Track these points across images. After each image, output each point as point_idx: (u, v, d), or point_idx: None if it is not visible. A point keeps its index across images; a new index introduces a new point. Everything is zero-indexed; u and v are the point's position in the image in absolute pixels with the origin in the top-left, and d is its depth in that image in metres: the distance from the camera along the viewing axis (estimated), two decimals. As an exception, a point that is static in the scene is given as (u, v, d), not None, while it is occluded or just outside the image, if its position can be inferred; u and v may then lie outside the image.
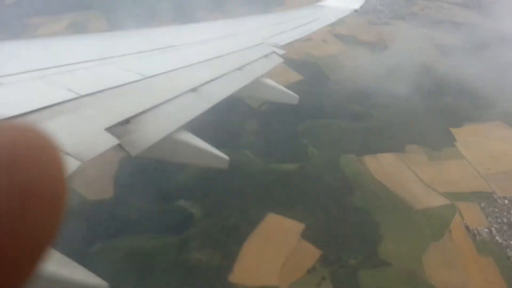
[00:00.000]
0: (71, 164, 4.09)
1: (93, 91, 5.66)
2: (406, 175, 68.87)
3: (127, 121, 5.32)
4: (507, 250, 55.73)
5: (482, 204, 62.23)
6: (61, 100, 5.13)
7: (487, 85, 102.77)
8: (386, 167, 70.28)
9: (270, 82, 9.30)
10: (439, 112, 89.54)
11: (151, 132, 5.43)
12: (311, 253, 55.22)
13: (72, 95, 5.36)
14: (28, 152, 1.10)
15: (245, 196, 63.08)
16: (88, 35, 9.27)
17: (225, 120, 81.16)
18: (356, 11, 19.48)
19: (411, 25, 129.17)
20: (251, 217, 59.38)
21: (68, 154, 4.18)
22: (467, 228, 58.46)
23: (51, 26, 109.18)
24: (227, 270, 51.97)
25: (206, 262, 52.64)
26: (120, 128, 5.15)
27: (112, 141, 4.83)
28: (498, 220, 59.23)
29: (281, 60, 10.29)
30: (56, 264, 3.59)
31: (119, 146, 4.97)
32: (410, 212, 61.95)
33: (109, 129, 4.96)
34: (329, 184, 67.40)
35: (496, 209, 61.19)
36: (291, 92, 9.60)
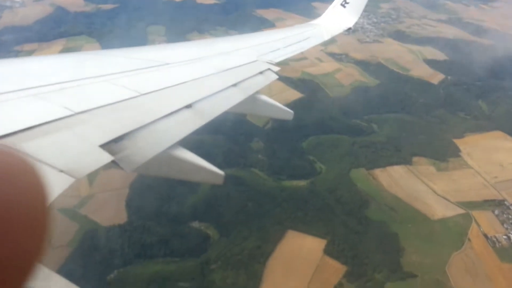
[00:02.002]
0: (65, 181, 3.99)
1: (88, 108, 5.58)
2: (418, 187, 69.46)
3: (121, 137, 5.22)
4: (527, 255, 56.28)
5: (496, 212, 63.11)
6: (55, 118, 5.05)
7: (480, 97, 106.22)
8: (397, 180, 70.79)
9: (266, 98, 9.26)
10: (439, 124, 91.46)
11: (146, 148, 5.38)
12: (336, 269, 54.50)
13: (67, 112, 5.27)
14: (6, 174, 1.08)
15: (261, 214, 62.20)
16: (82, 53, 9.45)
17: (231, 139, 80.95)
18: (349, 29, 19.81)
19: (399, 42, 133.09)
20: (270, 236, 58.44)
21: (61, 171, 4.06)
22: (486, 236, 58.96)
23: (44, 52, 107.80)
24: (254, 291, 50.68)
25: (231, 284, 51.21)
26: (114, 144, 5.04)
27: (106, 157, 4.66)
28: (515, 227, 60.02)
29: (276, 76, 10.47)
30: (48, 283, 3.39)
31: (114, 162, 4.80)
32: (427, 222, 62.22)
33: (104, 146, 4.83)
34: (344, 198, 67.28)
35: (510, 216, 62.04)
36: (286, 108, 9.71)
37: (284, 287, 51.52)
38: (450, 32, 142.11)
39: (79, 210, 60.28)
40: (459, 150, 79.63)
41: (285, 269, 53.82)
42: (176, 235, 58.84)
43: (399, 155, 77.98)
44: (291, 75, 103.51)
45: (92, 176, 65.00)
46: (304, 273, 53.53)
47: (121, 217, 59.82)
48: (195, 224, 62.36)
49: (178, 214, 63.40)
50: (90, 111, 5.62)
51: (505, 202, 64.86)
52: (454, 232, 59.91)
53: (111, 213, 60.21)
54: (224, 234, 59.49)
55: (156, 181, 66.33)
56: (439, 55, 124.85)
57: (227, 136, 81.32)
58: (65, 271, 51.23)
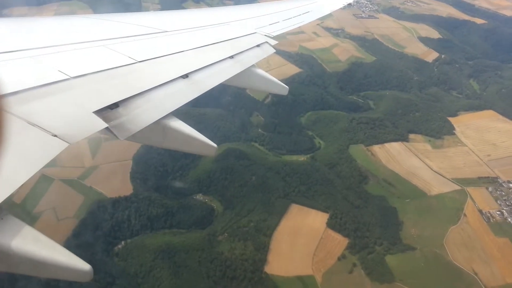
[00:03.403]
0: (58, 146, 4.20)
1: (83, 73, 5.71)
2: (414, 163, 71.39)
3: (116, 105, 5.37)
4: (520, 230, 59.18)
5: (490, 189, 65.66)
6: (50, 81, 5.20)
7: (472, 76, 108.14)
8: (395, 156, 72.50)
9: (262, 72, 9.33)
10: (433, 102, 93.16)
11: (141, 117, 5.50)
12: (339, 242, 56.28)
13: (62, 77, 5.41)
14: None
15: (265, 188, 63.05)
16: (77, 17, 9.34)
17: (231, 113, 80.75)
18: (349, 4, 19.51)
19: (394, 19, 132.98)
20: (275, 209, 59.55)
21: (55, 135, 4.25)
22: (480, 211, 61.52)
23: (36, 16, 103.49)
24: (262, 262, 52.03)
25: (240, 255, 52.38)
26: (109, 111, 5.21)
27: (100, 124, 4.87)
28: (507, 203, 62.74)
29: (273, 50, 10.32)
30: (41, 247, 3.78)
31: (108, 129, 5.02)
32: (424, 198, 64.39)
33: (98, 112, 5.02)
34: (344, 173, 68.70)
35: (503, 193, 64.75)
36: (282, 83, 9.88)
37: (291, 258, 53.00)
38: (444, 10, 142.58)
39: (83, 181, 59.87)
40: (453, 128, 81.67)
41: (290, 241, 55.29)
42: (181, 208, 59.32)
43: (396, 131, 79.49)
44: (288, 49, 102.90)
45: (94, 147, 64.48)
46: (308, 245, 55.14)
47: (127, 188, 59.77)
48: (199, 197, 62.96)
49: (182, 187, 63.77)
50: (86, 76, 5.69)
51: (498, 179, 67.48)
52: (451, 207, 62.27)
53: (116, 184, 60.04)
54: (228, 207, 60.27)
55: (159, 153, 66.17)
56: (433, 33, 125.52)
57: (227, 110, 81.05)
58: (72, 243, 51.34)
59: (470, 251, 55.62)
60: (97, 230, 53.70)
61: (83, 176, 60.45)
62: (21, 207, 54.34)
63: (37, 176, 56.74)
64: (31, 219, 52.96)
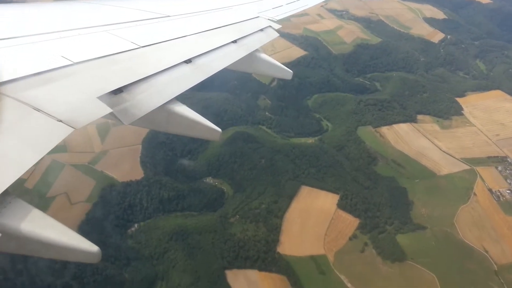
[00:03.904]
0: (64, 131, 4.18)
1: (87, 58, 5.70)
2: (423, 144, 71.36)
3: (120, 90, 5.37)
4: (529, 209, 59.43)
5: (499, 168, 65.79)
6: (54, 67, 5.19)
7: (478, 56, 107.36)
8: (403, 137, 72.45)
9: (265, 56, 9.26)
10: (440, 83, 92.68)
11: (145, 102, 5.52)
12: (350, 222, 56.64)
13: (65, 62, 5.39)
14: None
15: (274, 171, 63.23)
16: (79, 2, 9.33)
17: (238, 97, 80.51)
18: None
19: None
20: (286, 191, 59.80)
21: (60, 121, 4.25)
22: (490, 190, 61.72)
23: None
24: (275, 242, 52.50)
25: (252, 236, 52.81)
26: (113, 96, 5.23)
27: (104, 109, 4.86)
28: (517, 182, 62.93)
29: (277, 34, 10.28)
30: (50, 229, 3.80)
31: (112, 114, 5.02)
32: (434, 178, 64.56)
33: (102, 98, 5.03)
34: (352, 155, 68.76)
35: (513, 172, 64.89)
36: (286, 68, 9.79)
37: (303, 239, 53.47)
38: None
39: (94, 166, 60.04)
40: (461, 109, 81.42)
41: (302, 223, 55.67)
42: (192, 191, 59.60)
43: (404, 113, 79.28)
44: (293, 31, 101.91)
45: (103, 133, 64.53)
46: (320, 225, 55.53)
47: (137, 173, 59.95)
48: (209, 180, 63.19)
49: (192, 171, 64.00)
50: (89, 61, 5.67)
51: (508, 159, 67.54)
52: (460, 187, 62.46)
53: (126, 169, 60.23)
54: (238, 190, 60.53)
55: (167, 137, 66.20)
56: (438, 14, 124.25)
57: (233, 93, 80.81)
58: (86, 226, 51.82)
59: (480, 229, 55.97)
60: (110, 213, 54.08)
61: (93, 161, 60.60)
62: (34, 193, 54.70)
63: (48, 161, 57.01)
64: (45, 204, 53.30)
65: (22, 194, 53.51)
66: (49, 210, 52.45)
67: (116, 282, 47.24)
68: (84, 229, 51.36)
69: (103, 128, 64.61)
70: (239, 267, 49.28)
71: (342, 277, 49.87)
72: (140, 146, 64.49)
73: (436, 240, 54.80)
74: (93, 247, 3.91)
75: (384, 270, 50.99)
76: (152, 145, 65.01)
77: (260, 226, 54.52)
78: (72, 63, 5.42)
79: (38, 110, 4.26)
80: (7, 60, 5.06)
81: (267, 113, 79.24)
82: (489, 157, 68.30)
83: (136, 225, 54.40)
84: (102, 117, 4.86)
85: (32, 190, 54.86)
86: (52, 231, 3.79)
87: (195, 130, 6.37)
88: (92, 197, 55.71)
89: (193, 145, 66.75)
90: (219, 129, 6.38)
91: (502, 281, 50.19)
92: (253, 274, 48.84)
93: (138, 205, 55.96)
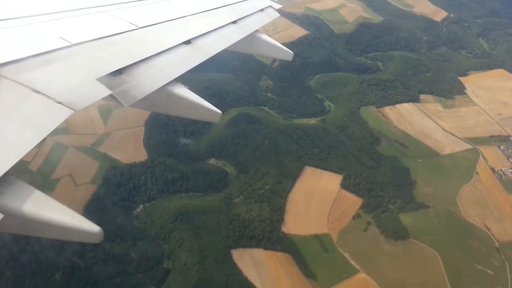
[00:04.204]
0: (63, 113, 4.21)
1: (85, 39, 5.66)
2: (426, 123, 71.40)
3: (119, 71, 5.37)
4: (531, 188, 59.88)
5: (502, 147, 66.00)
6: (53, 48, 5.16)
7: (481, 35, 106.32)
8: (406, 117, 72.43)
9: (266, 37, 9.15)
10: (442, 62, 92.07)
11: (144, 83, 5.52)
12: (353, 201, 57.09)
13: (64, 44, 5.36)
14: None
15: (278, 151, 63.35)
16: None
17: (239, 78, 79.96)
18: None
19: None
20: (289, 172, 60.06)
21: (60, 103, 4.26)
22: (493, 169, 62.09)
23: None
24: (279, 222, 53.03)
25: (257, 216, 53.30)
26: (112, 78, 5.23)
27: (104, 91, 4.88)
28: (519, 161, 63.25)
29: (277, 14, 10.17)
30: (51, 210, 3.86)
31: (112, 96, 5.02)
32: (436, 157, 64.83)
33: (102, 79, 5.04)
34: (355, 135, 68.84)
35: (515, 151, 65.14)
36: (286, 48, 9.62)
37: (306, 218, 54.01)
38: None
39: (97, 148, 60.09)
40: (464, 88, 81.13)
41: (306, 202, 56.14)
42: (196, 172, 59.79)
43: (407, 92, 79.03)
44: (294, 10, 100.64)
45: (106, 114, 64.39)
46: (324, 205, 55.99)
47: (141, 154, 60.09)
48: (212, 162, 63.31)
49: (195, 152, 64.08)
50: (88, 42, 5.65)
51: (510, 138, 67.80)
52: (463, 166, 62.80)
53: (130, 151, 60.33)
54: (242, 171, 60.71)
55: (170, 119, 66.03)
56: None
57: (235, 74, 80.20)
58: (92, 207, 52.20)
59: (482, 208, 56.54)
60: (115, 194, 54.41)
61: (96, 143, 60.63)
62: (38, 175, 54.91)
63: (51, 143, 56.99)
64: (49, 186, 53.60)
65: (26, 176, 53.84)
66: (54, 192, 52.77)
67: (123, 261, 47.87)
68: (90, 210, 51.77)
69: (105, 110, 64.38)
70: (244, 246, 49.92)
71: (346, 255, 50.60)
72: (143, 128, 64.43)
73: (439, 219, 55.39)
74: (94, 227, 3.98)
75: (387, 248, 51.71)
76: (155, 126, 64.93)
77: (265, 206, 54.96)
78: (70, 44, 5.39)
79: (37, 92, 4.26)
80: (5, 42, 5.05)
81: (269, 94, 78.86)
82: (491, 136, 68.46)
83: (141, 206, 54.79)
84: (102, 99, 4.88)
85: (36, 172, 55.06)
86: (53, 212, 3.85)
87: (195, 112, 6.38)
88: (97, 178, 55.96)
89: (196, 126, 66.63)
90: (219, 111, 6.39)
91: (503, 257, 51.05)
92: (258, 253, 49.52)
93: (142, 187, 56.25)
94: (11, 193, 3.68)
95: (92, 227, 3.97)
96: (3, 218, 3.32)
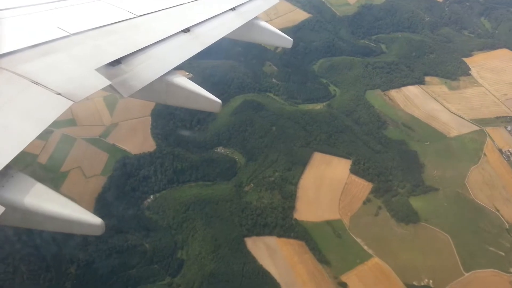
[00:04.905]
0: (63, 104, 4.20)
1: (83, 29, 5.61)
2: (432, 106, 71.27)
3: (118, 61, 5.31)
4: (539, 168, 60.23)
5: (508, 128, 66.12)
6: (51, 39, 5.13)
7: (483, 14, 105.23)
8: (412, 100, 72.22)
9: (265, 24, 8.93)
10: (446, 43, 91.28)
11: (143, 73, 5.48)
12: (363, 186, 57.32)
13: (62, 34, 5.32)
14: None
15: (286, 138, 63.16)
16: None
17: (243, 64, 79.11)
18: None
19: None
20: (298, 158, 60.02)
21: (59, 94, 4.24)
22: (500, 150, 62.30)
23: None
24: (291, 209, 53.24)
25: (268, 204, 53.46)
26: (111, 68, 5.18)
27: (103, 82, 4.83)
28: (527, 141, 63.42)
29: (277, 1, 10.01)
30: (52, 202, 3.82)
31: (111, 87, 4.98)
32: (444, 139, 64.91)
33: (100, 69, 4.99)
34: (362, 119, 68.63)
35: (522, 131, 65.26)
36: (286, 36, 9.43)
37: (318, 205, 54.27)
38: None
39: (105, 139, 59.66)
40: (468, 69, 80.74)
41: (316, 189, 56.32)
42: (205, 161, 59.62)
43: (412, 75, 78.61)
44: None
45: (111, 105, 63.77)
46: (334, 191, 56.22)
47: (150, 145, 59.76)
48: (220, 150, 63.08)
49: (203, 141, 63.73)
50: (86, 32, 5.59)
51: (517, 119, 67.77)
52: (470, 148, 62.97)
53: (138, 141, 59.97)
54: (251, 159, 60.59)
55: (176, 108, 65.47)
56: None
57: (238, 61, 79.31)
58: (103, 199, 52.13)
59: (491, 189, 56.92)
60: (125, 185, 54.30)
61: (104, 134, 60.17)
62: (47, 168, 54.66)
63: (58, 135, 56.52)
64: (59, 179, 53.41)
65: (35, 170, 53.51)
66: (64, 185, 52.60)
67: (137, 252, 48.10)
68: (102, 202, 51.80)
69: (110, 100, 63.68)
70: (258, 234, 50.25)
71: (359, 240, 51.06)
72: (149, 118, 63.88)
73: (448, 201, 55.79)
74: (95, 219, 3.93)
75: (399, 232, 52.18)
76: (162, 116, 64.36)
77: (275, 194, 55.10)
78: (68, 34, 5.33)
79: (37, 83, 4.24)
80: (3, 33, 4.99)
81: (273, 80, 78.19)
82: (497, 117, 68.52)
83: (151, 197, 54.77)
84: (101, 89, 4.84)
85: (45, 166, 54.76)
86: (54, 204, 3.83)
87: (195, 101, 6.33)
88: (107, 170, 55.74)
89: (202, 115, 66.08)
90: (219, 101, 6.32)
91: (513, 238, 51.69)
92: (272, 241, 49.86)
93: (152, 177, 56.09)
94: (12, 185, 3.67)
95: (93, 219, 3.95)
96: (4, 211, 3.28)
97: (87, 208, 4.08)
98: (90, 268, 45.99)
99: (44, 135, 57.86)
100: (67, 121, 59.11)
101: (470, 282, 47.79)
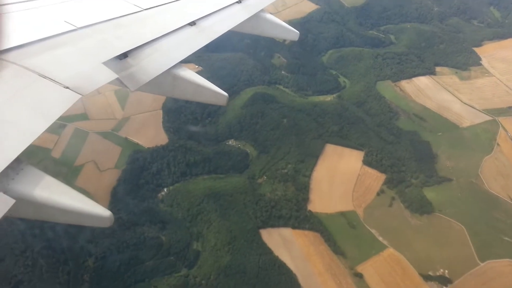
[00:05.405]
0: (71, 98, 4.21)
1: (90, 23, 5.60)
2: (444, 96, 70.84)
3: (125, 55, 5.30)
4: (550, 157, 59.88)
5: (521, 117, 65.66)
6: (58, 32, 5.11)
7: (492, 4, 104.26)
8: (424, 90, 71.85)
9: (271, 17, 8.90)
10: (455, 33, 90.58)
11: (150, 66, 5.48)
12: (376, 177, 57.27)
13: (69, 27, 5.32)
14: None
15: (298, 130, 63.10)
16: None
17: (252, 56, 78.84)
18: None
19: None
20: (311, 150, 59.99)
21: (67, 87, 4.25)
22: (513, 140, 61.98)
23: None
24: (305, 201, 53.33)
25: (282, 196, 53.56)
26: (118, 62, 5.17)
27: (110, 75, 4.83)
28: (540, 130, 63.02)
29: None
30: (62, 195, 3.85)
31: (118, 80, 4.98)
32: (456, 130, 64.64)
33: (108, 63, 4.98)
34: (373, 110, 68.43)
35: (535, 120, 64.81)
36: (292, 28, 9.32)
37: (332, 196, 54.32)
38: None
39: (117, 133, 59.83)
40: (479, 59, 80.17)
41: (329, 180, 56.33)
42: (217, 154, 59.71)
43: (423, 65, 78.16)
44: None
45: (123, 98, 63.87)
46: (347, 182, 56.21)
47: (162, 138, 59.91)
48: (232, 143, 63.08)
49: (214, 134, 63.76)
50: (93, 26, 5.59)
51: (529, 108, 67.31)
52: (483, 138, 62.69)
53: (151, 134, 60.14)
54: (263, 151, 60.58)
55: (187, 101, 65.49)
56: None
57: (247, 53, 79.05)
58: (118, 193, 52.39)
59: (505, 179, 56.73)
60: (139, 179, 54.51)
61: (116, 127, 60.33)
62: (61, 162, 54.98)
63: (71, 129, 56.74)
64: (73, 173, 53.72)
65: (49, 164, 53.79)
66: (79, 179, 52.89)
67: (154, 245, 48.35)
68: (117, 196, 52.06)
69: (122, 94, 63.76)
70: (273, 226, 50.37)
71: (373, 231, 51.09)
72: (160, 111, 63.99)
73: (462, 192, 55.68)
74: (105, 212, 3.98)
75: (414, 223, 52.17)
76: (173, 109, 64.44)
77: (289, 186, 55.17)
78: (75, 28, 5.34)
79: (45, 77, 4.26)
80: (11, 27, 4.99)
81: (283, 72, 77.89)
82: (510, 107, 68.09)
83: (165, 190, 54.95)
84: (108, 83, 4.87)
85: (59, 160, 55.06)
86: (63, 196, 3.87)
87: (201, 95, 6.33)
88: (120, 163, 55.97)
89: (213, 108, 65.95)
90: (226, 94, 6.35)
91: (528, 228, 51.54)
92: (287, 232, 49.99)
93: (165, 170, 56.24)
94: (22, 178, 3.70)
95: (103, 212, 4.00)
96: (14, 203, 3.33)
97: (103, 201, 4.20)
98: (107, 261, 46.28)
99: (57, 130, 58.23)
100: (79, 115, 59.31)
101: (485, 272, 47.76)
